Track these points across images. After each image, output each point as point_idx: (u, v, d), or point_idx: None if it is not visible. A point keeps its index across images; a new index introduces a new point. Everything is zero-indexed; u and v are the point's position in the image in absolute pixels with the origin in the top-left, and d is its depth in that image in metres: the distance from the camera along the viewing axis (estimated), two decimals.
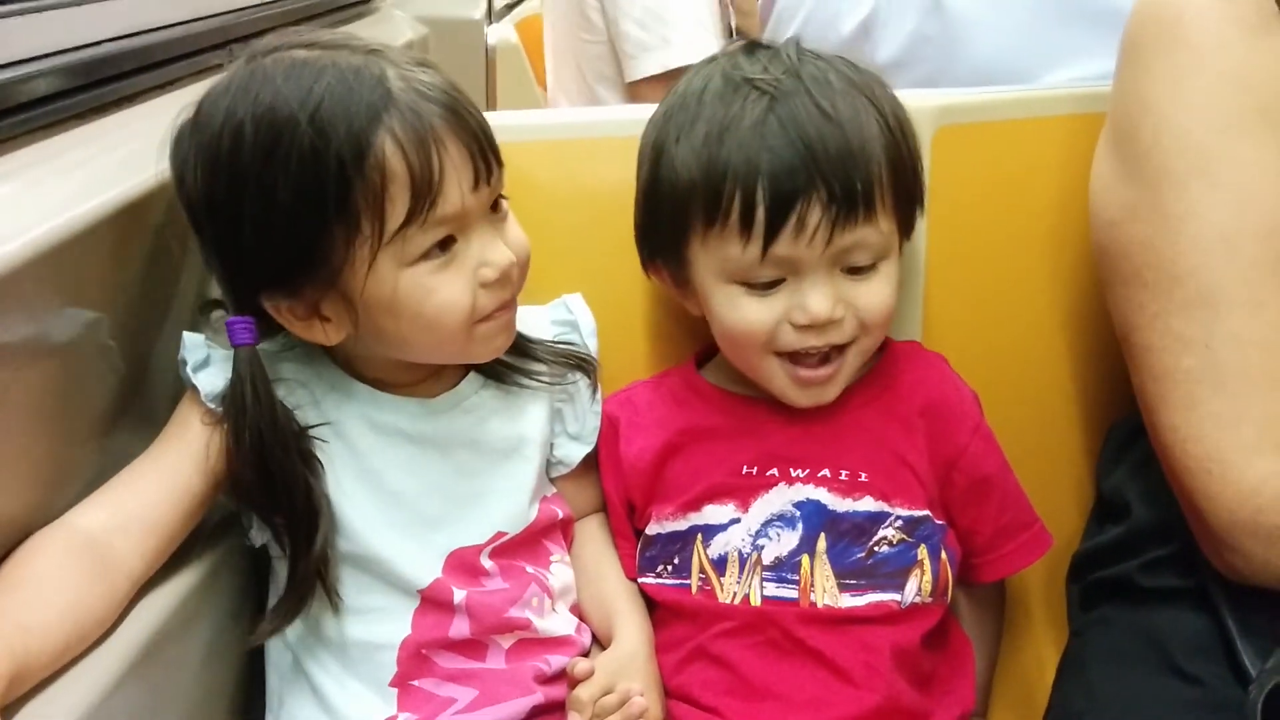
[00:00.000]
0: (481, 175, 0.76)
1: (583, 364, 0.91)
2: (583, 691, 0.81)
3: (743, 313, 0.82)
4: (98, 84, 0.94)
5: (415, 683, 0.81)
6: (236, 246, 0.75)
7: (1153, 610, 0.83)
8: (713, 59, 0.87)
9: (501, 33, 2.31)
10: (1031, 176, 0.98)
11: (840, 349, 0.83)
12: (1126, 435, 0.90)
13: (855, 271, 0.82)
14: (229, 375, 0.78)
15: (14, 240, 0.66)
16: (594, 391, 0.92)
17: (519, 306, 0.84)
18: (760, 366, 0.85)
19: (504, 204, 0.81)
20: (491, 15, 2.38)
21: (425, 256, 0.76)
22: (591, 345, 0.93)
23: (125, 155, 0.85)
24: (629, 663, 0.85)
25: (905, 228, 0.86)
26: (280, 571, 0.82)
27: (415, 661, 0.81)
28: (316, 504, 0.79)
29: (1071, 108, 0.98)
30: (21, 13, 0.91)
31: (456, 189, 0.75)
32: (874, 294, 0.82)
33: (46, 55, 0.90)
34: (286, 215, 0.73)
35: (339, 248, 0.74)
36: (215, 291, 0.83)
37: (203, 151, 0.75)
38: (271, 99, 0.73)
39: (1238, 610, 0.77)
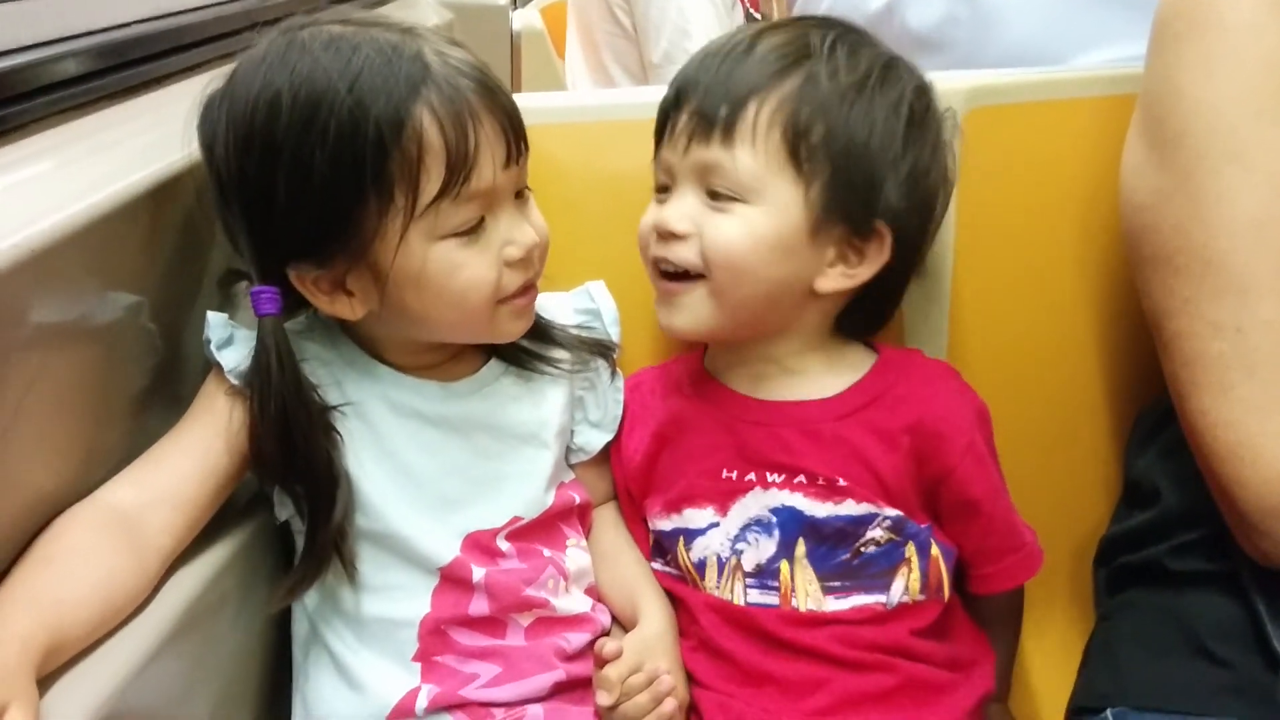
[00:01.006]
0: (513, 154, 0.77)
1: (604, 350, 0.91)
2: (611, 671, 0.81)
3: (643, 219, 0.86)
4: (127, 65, 0.95)
5: (438, 659, 0.81)
6: (267, 216, 0.75)
7: (1181, 594, 0.83)
8: None
9: (526, 18, 2.31)
10: (1063, 158, 0.98)
11: (695, 280, 0.83)
12: (1155, 420, 0.90)
13: (715, 202, 0.82)
14: (252, 351, 0.78)
15: (45, 220, 0.67)
16: (616, 380, 0.92)
17: (540, 292, 0.84)
18: (651, 279, 0.87)
19: (526, 191, 0.82)
20: (516, 1, 2.38)
21: (455, 232, 0.76)
22: (614, 333, 0.93)
23: (155, 138, 0.86)
24: (655, 643, 0.85)
25: (843, 215, 0.81)
26: (302, 545, 0.82)
27: (435, 638, 0.81)
28: (336, 475, 0.79)
29: (1104, 89, 0.97)
30: None
31: (490, 164, 0.76)
32: (722, 228, 0.81)
33: (76, 36, 0.91)
34: (322, 184, 0.73)
35: (372, 218, 0.74)
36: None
37: (235, 121, 0.75)
38: (310, 69, 0.73)
39: (1268, 594, 0.77)
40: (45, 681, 0.62)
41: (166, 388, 0.82)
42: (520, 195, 0.81)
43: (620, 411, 0.92)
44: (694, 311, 0.84)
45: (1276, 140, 0.75)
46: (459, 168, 0.74)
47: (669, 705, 0.80)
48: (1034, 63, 1.05)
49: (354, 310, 0.79)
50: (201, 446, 0.77)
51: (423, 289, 0.77)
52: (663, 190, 0.85)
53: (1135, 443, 0.94)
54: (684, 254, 0.83)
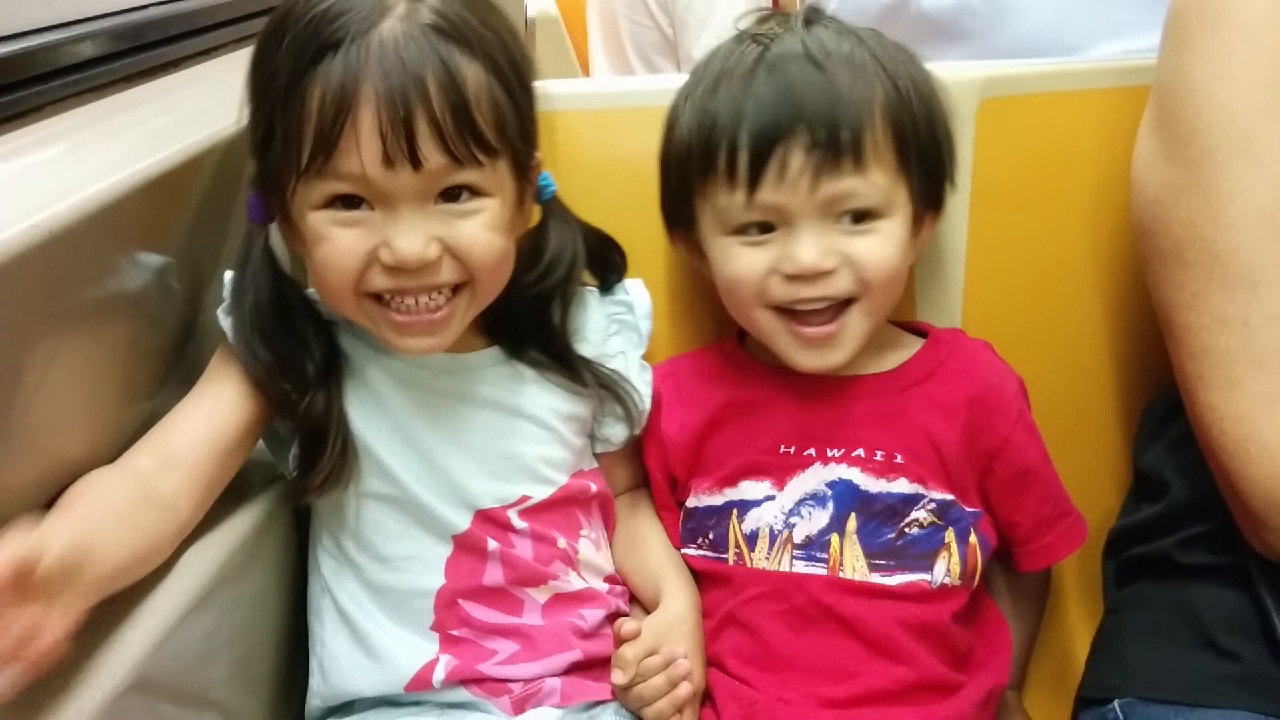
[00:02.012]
0: (399, 158, 0.72)
1: (621, 397, 0.89)
2: (628, 651, 0.81)
3: (735, 264, 0.82)
4: (143, 48, 0.95)
5: (455, 632, 0.82)
6: (250, 131, 0.77)
7: (1189, 586, 0.83)
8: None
9: (541, 5, 2.30)
10: (1076, 149, 0.97)
11: (842, 307, 0.82)
12: (1164, 412, 0.90)
13: (854, 226, 0.81)
14: None
15: (63, 201, 0.67)
16: (645, 374, 0.92)
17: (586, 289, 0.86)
18: (758, 321, 0.84)
19: (481, 201, 0.76)
20: None
21: (328, 205, 0.74)
22: (645, 327, 0.92)
23: (171, 120, 0.87)
24: (675, 625, 0.85)
25: (926, 198, 0.84)
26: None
27: (452, 610, 0.82)
28: (315, 372, 0.80)
29: (1117, 80, 0.97)
30: None
31: (356, 157, 0.72)
32: (872, 249, 0.81)
33: (92, 19, 0.91)
34: (255, 110, 0.76)
35: (278, 157, 0.74)
36: None
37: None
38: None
39: (1276, 587, 0.77)
40: (76, 652, 0.63)
41: (187, 360, 0.83)
42: (463, 200, 0.75)
43: (648, 406, 0.91)
44: (852, 339, 0.84)
45: None
46: (319, 144, 0.72)
47: (684, 689, 0.80)
48: (1049, 53, 1.05)
49: (297, 249, 0.80)
50: (212, 412, 0.78)
51: (307, 250, 0.77)
52: (765, 230, 0.81)
53: (1144, 435, 0.94)
54: (838, 286, 0.81)
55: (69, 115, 0.83)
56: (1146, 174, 0.83)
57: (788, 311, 0.83)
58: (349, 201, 0.74)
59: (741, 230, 0.82)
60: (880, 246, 0.81)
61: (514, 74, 0.77)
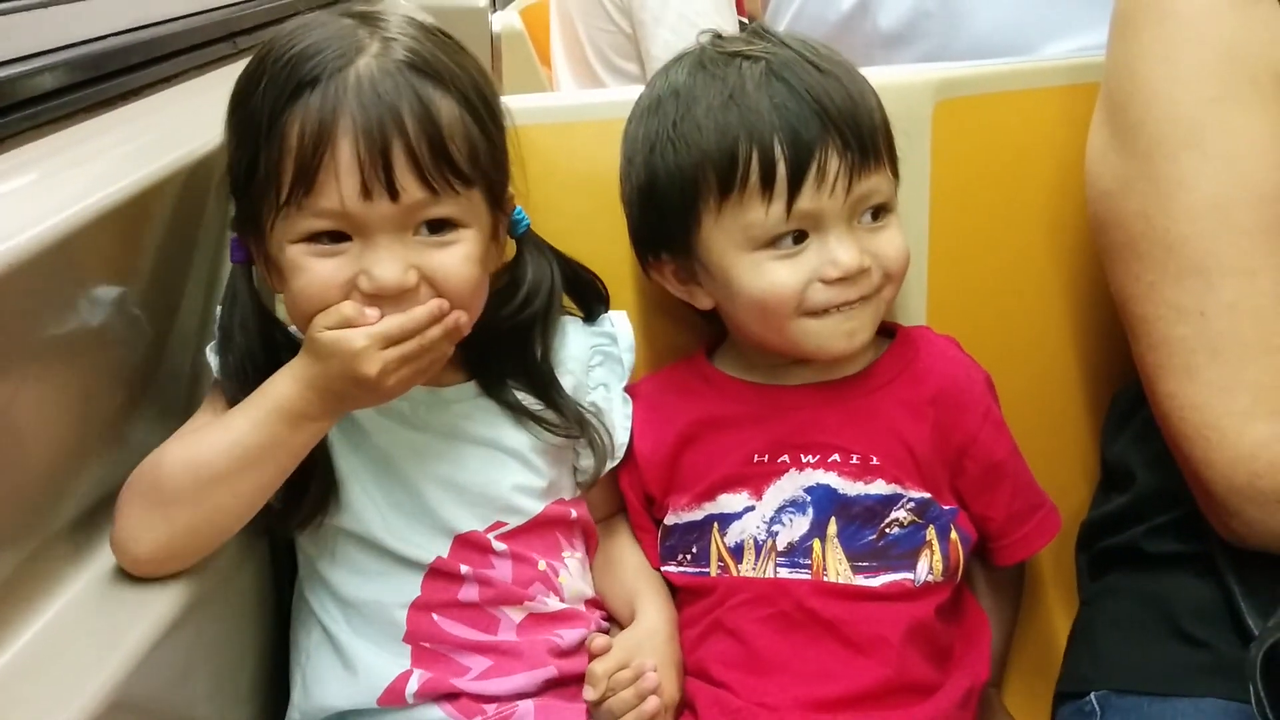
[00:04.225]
0: (376, 189, 0.73)
1: (592, 438, 0.89)
2: (598, 665, 0.82)
3: (771, 278, 0.82)
4: (103, 78, 0.95)
5: (426, 644, 0.83)
6: (229, 171, 0.80)
7: (1158, 576, 0.84)
8: (678, 58, 0.88)
9: (506, 19, 2.31)
10: (1031, 148, 0.98)
11: (866, 299, 0.84)
12: (1129, 403, 0.91)
13: (873, 223, 0.83)
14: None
15: (24, 233, 0.67)
16: (626, 406, 0.92)
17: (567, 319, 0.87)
18: (790, 330, 0.83)
19: (458, 233, 0.77)
20: (496, 2, 2.38)
21: (308, 239, 0.75)
22: (627, 360, 0.93)
23: (133, 148, 0.87)
24: (647, 640, 0.86)
25: (896, 174, 0.87)
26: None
27: (424, 622, 0.82)
28: None
29: (1070, 78, 0.98)
30: (26, 8, 0.92)
31: (335, 190, 0.73)
32: (892, 242, 0.84)
33: (52, 50, 0.91)
34: (235, 147, 0.78)
35: (258, 195, 0.76)
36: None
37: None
38: (273, 36, 0.78)
39: (1241, 573, 0.78)
40: (57, 669, 0.65)
41: (153, 390, 0.83)
42: (441, 232, 0.76)
43: (627, 439, 0.91)
44: (871, 321, 0.85)
45: (1234, 125, 0.76)
46: (300, 178, 0.73)
47: (651, 703, 0.80)
48: (1003, 53, 1.06)
49: (276, 286, 0.81)
50: None
51: (283, 283, 0.78)
52: (799, 240, 0.81)
53: (1110, 426, 0.95)
54: (872, 281, 0.83)
55: (31, 147, 0.83)
56: (1099, 167, 0.84)
57: (818, 312, 0.83)
58: (328, 238, 0.75)
59: (772, 243, 0.82)
60: (896, 238, 0.84)
61: (485, 109, 0.79)
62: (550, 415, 0.87)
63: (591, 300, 0.94)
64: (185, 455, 0.75)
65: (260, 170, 0.75)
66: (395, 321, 0.74)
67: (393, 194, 0.73)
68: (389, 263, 0.74)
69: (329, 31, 0.76)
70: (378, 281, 0.74)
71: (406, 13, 0.83)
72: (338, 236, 0.75)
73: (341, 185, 0.73)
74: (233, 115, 0.79)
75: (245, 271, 0.82)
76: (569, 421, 0.88)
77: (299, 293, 0.76)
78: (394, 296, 0.75)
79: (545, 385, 0.88)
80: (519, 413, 0.87)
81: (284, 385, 0.75)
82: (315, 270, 0.75)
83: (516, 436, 0.87)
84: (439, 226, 0.77)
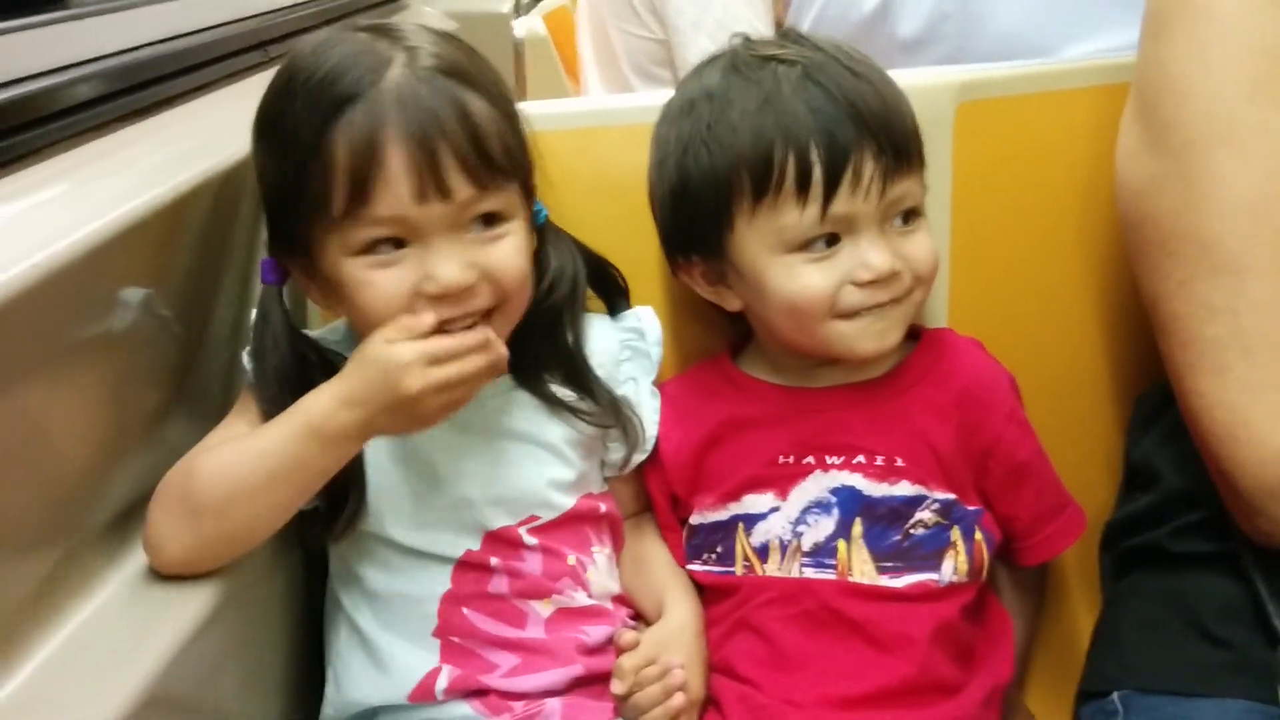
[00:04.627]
0: (429, 191, 0.75)
1: (625, 425, 0.90)
2: (626, 661, 0.83)
3: (804, 281, 0.82)
4: (137, 88, 0.97)
5: (456, 639, 0.84)
6: (263, 197, 0.81)
7: (1183, 576, 0.84)
8: (710, 60, 0.89)
9: (529, 25, 2.32)
10: (1055, 150, 0.98)
11: (896, 301, 0.84)
12: (1155, 403, 0.90)
13: (904, 227, 0.84)
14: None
15: (62, 241, 0.69)
16: (655, 400, 0.93)
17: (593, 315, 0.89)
18: (822, 332, 0.84)
19: (503, 226, 0.80)
20: (519, 8, 2.39)
21: (368, 250, 0.77)
22: (655, 354, 0.93)
23: (166, 157, 0.88)
24: (674, 637, 0.87)
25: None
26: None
27: (455, 615, 0.84)
28: None
29: (1094, 79, 0.97)
30: (60, 20, 0.94)
31: (391, 197, 0.75)
32: (923, 245, 0.84)
33: (86, 61, 0.93)
34: (272, 175, 0.79)
35: (304, 217, 0.78)
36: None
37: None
38: (293, 58, 0.79)
39: (1267, 573, 0.78)
40: (94, 667, 0.67)
41: (187, 394, 0.85)
42: (491, 226, 0.79)
43: (656, 431, 0.93)
44: (902, 322, 0.85)
45: (1268, 123, 0.76)
46: (356, 189, 0.75)
47: (678, 699, 0.81)
48: (1024, 55, 1.06)
49: (324, 303, 0.83)
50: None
51: (345, 300, 0.80)
52: (831, 243, 0.82)
53: (1136, 426, 0.94)
54: (903, 284, 0.83)
55: (67, 156, 0.84)
56: (1130, 167, 0.84)
57: (850, 315, 0.83)
58: (386, 246, 0.77)
59: (805, 246, 0.82)
60: (926, 241, 0.85)
61: (507, 105, 0.82)
62: (585, 405, 0.88)
63: (613, 292, 0.95)
64: (215, 466, 0.75)
65: (309, 190, 0.76)
66: (443, 342, 0.75)
67: (444, 193, 0.76)
68: (449, 262, 0.77)
69: (351, 48, 0.78)
70: (442, 282, 0.76)
71: (426, 20, 0.85)
72: (394, 244, 0.77)
73: (397, 191, 0.75)
74: (265, 139, 0.80)
75: (277, 293, 0.83)
76: (604, 410, 0.89)
77: (366, 306, 0.77)
78: (456, 296, 0.77)
79: (579, 372, 0.89)
80: (555, 404, 0.88)
81: (320, 402, 0.75)
82: (379, 283, 0.77)
83: (552, 429, 0.88)
84: (489, 221, 0.79)
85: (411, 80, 0.76)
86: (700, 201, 0.85)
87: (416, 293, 0.77)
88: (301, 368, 0.82)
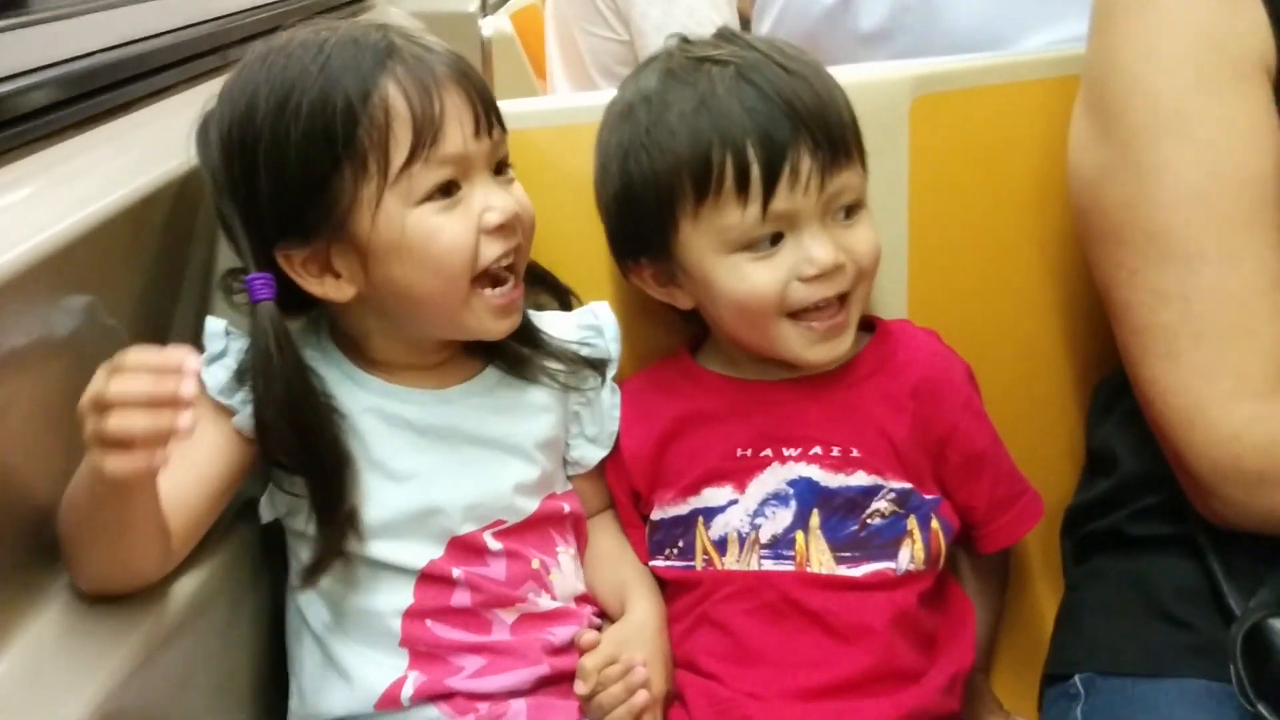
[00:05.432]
0: (482, 124, 0.80)
1: (597, 365, 0.91)
2: (588, 661, 0.83)
3: (751, 280, 0.83)
4: (93, 94, 0.96)
5: (424, 648, 0.83)
6: (253, 200, 0.79)
7: (1142, 559, 0.85)
8: (647, 63, 0.89)
9: (496, 24, 2.32)
10: (1011, 142, 0.99)
11: (844, 300, 0.85)
12: (1113, 390, 0.92)
13: (846, 220, 0.84)
14: (240, 361, 0.81)
15: (22, 244, 0.68)
16: (614, 396, 0.93)
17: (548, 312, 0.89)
18: (772, 331, 0.85)
19: (510, 171, 0.84)
20: (486, 7, 2.39)
21: (430, 197, 0.79)
22: (614, 350, 0.93)
23: (123, 162, 0.88)
24: (635, 634, 0.87)
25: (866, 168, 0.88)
26: (295, 544, 0.85)
27: (420, 628, 0.83)
28: (345, 452, 0.82)
29: (1047, 71, 0.99)
30: (14, 26, 0.93)
31: (458, 130, 0.79)
32: (864, 238, 0.85)
33: (41, 68, 0.93)
34: (299, 157, 0.77)
35: (348, 187, 0.78)
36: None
37: (222, 120, 0.81)
38: (284, 62, 0.79)
39: (1223, 554, 0.79)
40: (47, 682, 0.65)
41: None
42: (502, 173, 0.83)
43: (616, 427, 0.93)
44: (852, 326, 0.86)
45: (1214, 112, 0.77)
46: (425, 131, 0.78)
47: (640, 697, 0.81)
48: (982, 47, 1.07)
49: (342, 291, 0.81)
50: (199, 460, 0.79)
51: (404, 258, 0.79)
52: (775, 241, 0.83)
53: (1095, 412, 0.96)
54: (846, 281, 0.84)
55: (22, 163, 0.84)
56: (1081, 156, 0.85)
57: (798, 314, 0.84)
58: (444, 192, 0.79)
59: (750, 246, 0.83)
60: (868, 233, 0.85)
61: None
62: (553, 364, 0.90)
63: (561, 291, 0.96)
64: (64, 500, 0.71)
65: (356, 157, 0.77)
66: (113, 385, 0.62)
67: (490, 130, 0.81)
68: (501, 195, 0.81)
69: (337, 35, 0.80)
70: (505, 212, 0.80)
71: (391, 20, 0.86)
72: (448, 190, 0.79)
73: (462, 128, 0.79)
74: (253, 143, 0.78)
75: (276, 312, 0.80)
76: (574, 367, 0.90)
77: (445, 252, 0.79)
78: (511, 226, 0.81)
79: (541, 343, 0.90)
80: (530, 367, 0.89)
81: None
82: (449, 228, 0.79)
83: (518, 430, 0.88)
84: (500, 168, 0.83)
85: (412, 44, 0.80)
86: (644, 205, 0.85)
87: (483, 230, 0.79)
88: (310, 396, 0.81)
